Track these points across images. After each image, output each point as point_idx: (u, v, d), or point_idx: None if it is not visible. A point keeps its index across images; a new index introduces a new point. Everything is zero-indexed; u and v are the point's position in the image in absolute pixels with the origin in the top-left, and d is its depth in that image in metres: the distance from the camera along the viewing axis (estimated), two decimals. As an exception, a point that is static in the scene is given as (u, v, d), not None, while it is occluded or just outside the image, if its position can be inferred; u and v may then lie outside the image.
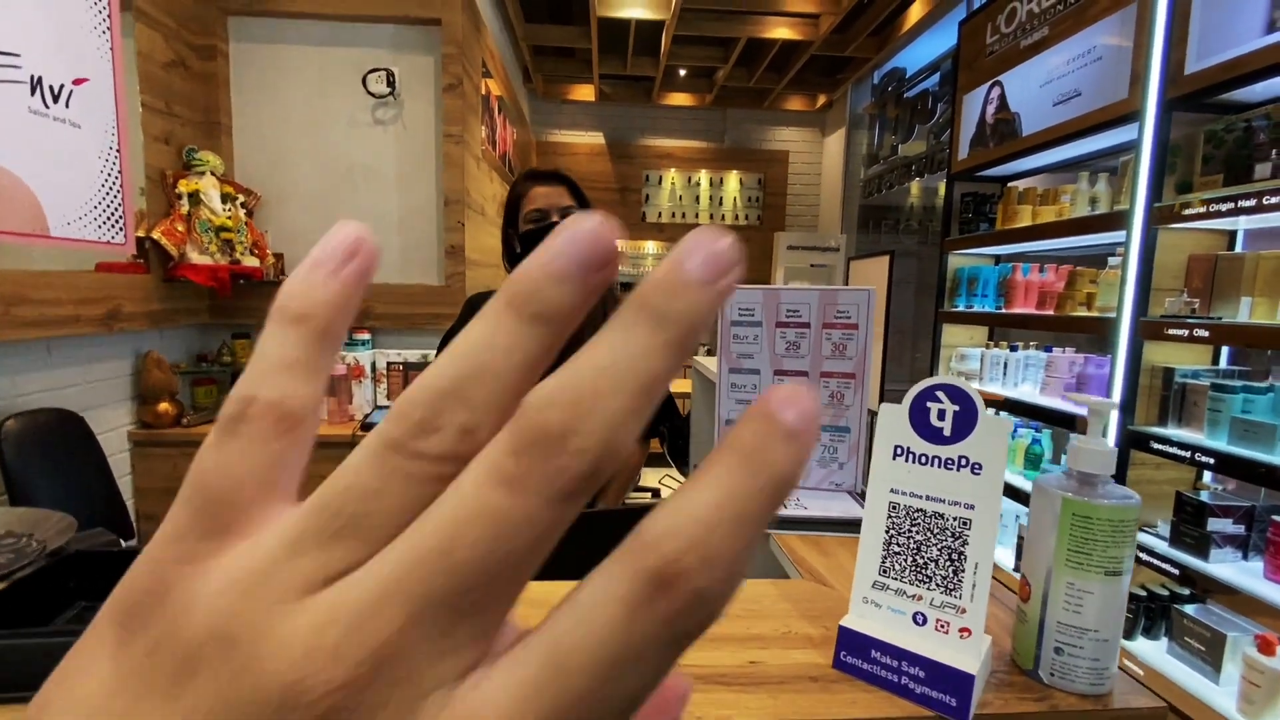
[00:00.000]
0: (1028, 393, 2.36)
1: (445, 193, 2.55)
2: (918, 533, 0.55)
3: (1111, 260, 2.06)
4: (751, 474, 0.11)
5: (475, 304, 1.46)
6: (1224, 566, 1.58)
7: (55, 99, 1.65)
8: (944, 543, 0.53)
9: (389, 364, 2.50)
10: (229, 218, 2.26)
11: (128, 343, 2.13)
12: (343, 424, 2.33)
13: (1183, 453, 1.65)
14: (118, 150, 1.88)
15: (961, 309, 2.74)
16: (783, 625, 0.61)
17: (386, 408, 2.39)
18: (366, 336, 2.53)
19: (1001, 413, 2.32)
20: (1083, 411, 0.55)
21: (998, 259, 2.81)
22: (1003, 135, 2.48)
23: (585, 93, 5.26)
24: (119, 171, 1.88)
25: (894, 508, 0.56)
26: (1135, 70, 1.85)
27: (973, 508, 0.52)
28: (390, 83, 2.46)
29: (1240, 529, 1.60)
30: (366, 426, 2.24)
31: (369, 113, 2.52)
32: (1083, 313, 2.13)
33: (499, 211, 1.47)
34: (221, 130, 2.42)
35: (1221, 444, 1.59)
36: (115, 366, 2.09)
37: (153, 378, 2.13)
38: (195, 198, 2.19)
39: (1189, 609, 1.64)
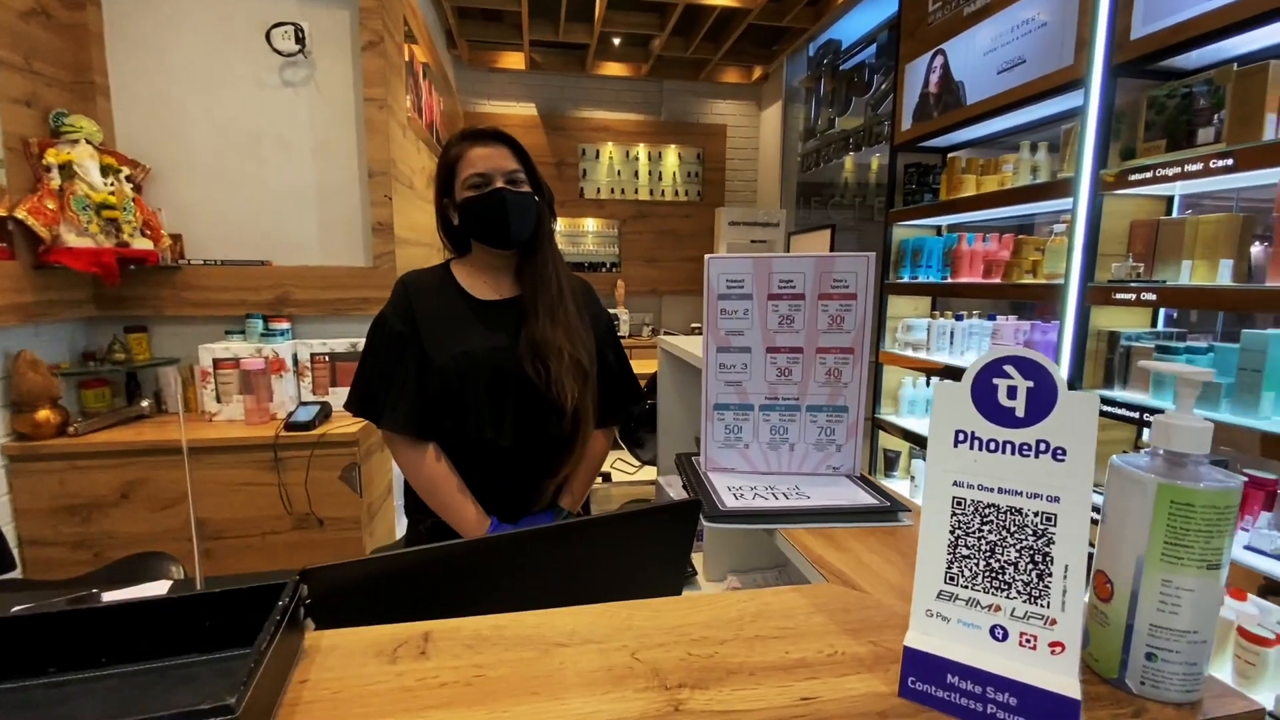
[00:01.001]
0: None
1: (369, 164, 2.31)
2: (990, 532, 0.47)
3: (1056, 227, 2.09)
4: None
5: (408, 284, 1.28)
6: (1170, 521, 1.63)
7: None
8: (1024, 542, 0.45)
9: (313, 355, 2.27)
10: (112, 193, 1.96)
11: (-8, 341, 1.82)
12: (264, 424, 2.09)
13: (1130, 414, 1.69)
14: (-38, 111, 1.57)
15: (907, 280, 2.76)
16: (826, 645, 0.52)
17: (312, 404, 2.16)
18: (285, 325, 2.29)
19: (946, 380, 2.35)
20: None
21: (940, 230, 2.84)
22: (946, 105, 2.48)
23: (515, 60, 4.99)
24: (-34, 137, 1.58)
25: (959, 503, 0.48)
26: (1080, 36, 1.86)
27: (1058, 500, 0.45)
28: (300, 39, 2.20)
29: (1184, 485, 1.66)
30: (291, 426, 2.02)
31: (276, 73, 2.24)
32: (1029, 280, 2.16)
33: (429, 184, 1.28)
34: (96, 91, 2.10)
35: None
36: (-22, 369, 1.78)
37: (27, 381, 1.84)
38: (68, 170, 1.88)
39: (1138, 564, 1.70)
